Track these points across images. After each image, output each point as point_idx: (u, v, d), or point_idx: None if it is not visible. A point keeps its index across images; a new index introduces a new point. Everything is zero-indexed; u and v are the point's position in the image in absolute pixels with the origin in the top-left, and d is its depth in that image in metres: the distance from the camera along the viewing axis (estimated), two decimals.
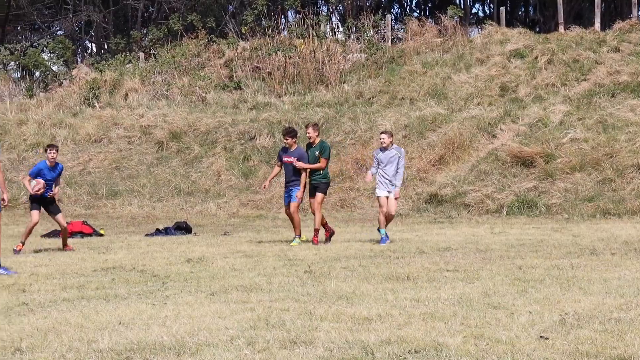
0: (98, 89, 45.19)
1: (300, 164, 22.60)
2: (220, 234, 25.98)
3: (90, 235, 26.43)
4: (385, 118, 37.26)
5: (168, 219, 30.95)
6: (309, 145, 23.07)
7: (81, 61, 59.52)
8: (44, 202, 22.08)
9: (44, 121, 41.74)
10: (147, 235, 26.79)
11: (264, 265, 18.55)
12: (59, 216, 22.42)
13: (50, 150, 22.30)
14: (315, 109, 39.78)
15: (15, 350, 10.80)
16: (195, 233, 26.77)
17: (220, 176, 35.82)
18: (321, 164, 22.78)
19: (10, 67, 54.23)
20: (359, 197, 33.07)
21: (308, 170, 22.71)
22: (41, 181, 21.42)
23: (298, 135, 24.27)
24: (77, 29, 78.58)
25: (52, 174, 22.12)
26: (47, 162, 22.03)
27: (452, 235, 24.38)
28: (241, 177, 35.65)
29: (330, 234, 23.15)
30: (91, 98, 44.29)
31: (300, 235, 23.01)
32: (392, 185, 22.07)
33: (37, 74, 51.53)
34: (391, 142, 22.27)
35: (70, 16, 76.79)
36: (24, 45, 58.30)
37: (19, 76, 52.39)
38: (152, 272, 17.77)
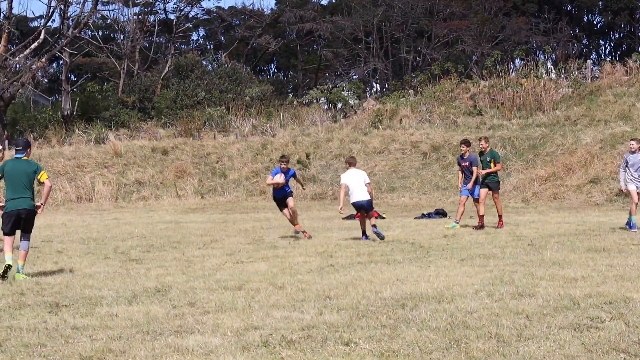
0: (381, 115, 45.46)
1: (480, 171, 22.32)
2: (467, 217, 25.82)
3: (376, 218, 26.63)
4: (587, 135, 36.23)
5: (430, 206, 30.89)
6: (481, 153, 22.55)
7: (369, 96, 59.97)
8: (284, 199, 20.77)
9: (344, 138, 42.27)
10: (415, 218, 26.85)
11: (498, 239, 18.36)
12: (290, 199, 20.68)
13: (281, 160, 21.03)
14: (535, 128, 39.01)
15: (326, 297, 11.05)
16: (449, 217, 26.67)
17: None
18: (497, 167, 22.29)
19: (321, 101, 55.18)
20: (567, 192, 32.23)
21: (478, 171, 22.28)
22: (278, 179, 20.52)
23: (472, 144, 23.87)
24: (366, 74, 79.37)
25: (284, 177, 20.57)
26: (280, 168, 20.73)
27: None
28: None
29: (481, 226, 22.01)
30: (376, 122, 44.58)
31: (458, 221, 22.59)
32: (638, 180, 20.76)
33: (339, 105, 52.18)
34: (639, 147, 20.94)
35: (362, 65, 77.65)
36: (330, 86, 59.26)
37: (327, 107, 53.18)
38: (419, 244, 17.83)
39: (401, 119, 44.62)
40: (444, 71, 51.18)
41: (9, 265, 13.60)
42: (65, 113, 58.78)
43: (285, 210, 20.90)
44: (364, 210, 19.64)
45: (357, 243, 18.34)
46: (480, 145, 22.77)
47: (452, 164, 36.83)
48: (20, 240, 14.07)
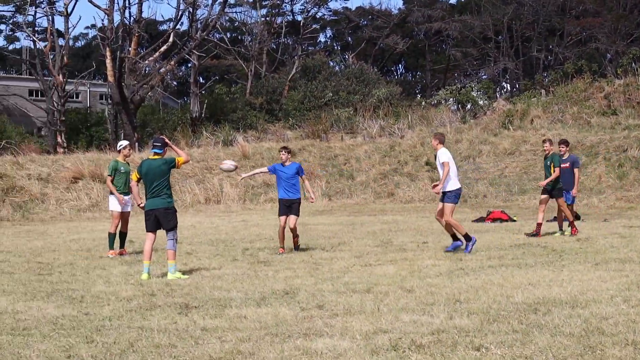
0: (511, 116, 44.99)
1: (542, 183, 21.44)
2: (601, 221, 25.26)
3: (506, 221, 26.32)
4: None
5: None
6: (545, 156, 21.59)
7: (499, 97, 59.36)
8: (290, 207, 18.39)
9: (473, 140, 41.95)
10: (547, 221, 26.39)
11: (635, 243, 17.92)
12: (292, 218, 18.25)
13: (282, 151, 18.73)
14: None
15: (456, 301, 10.99)
16: (583, 220, 26.15)
17: (601, 178, 34.79)
18: (555, 174, 20.94)
19: (450, 102, 54.89)
20: None
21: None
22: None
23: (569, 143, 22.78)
24: (496, 74, 78.65)
25: (286, 171, 18.51)
26: (282, 163, 18.49)
27: None
28: (617, 179, 34.47)
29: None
30: (507, 123, 44.13)
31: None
32: None
33: (468, 106, 51.83)
34: None
35: (492, 65, 76.97)
36: (459, 87, 58.90)
37: (456, 108, 52.89)
38: (552, 248, 17.55)
39: (532, 120, 44.05)
40: (577, 70, 50.34)
41: (147, 277, 14.25)
42: (194, 115, 59.94)
43: (283, 219, 18.34)
44: None
45: (487, 246, 18.15)
46: (544, 148, 21.58)
47: (586, 165, 36.13)
48: (167, 239, 14.64)
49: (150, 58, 57.28)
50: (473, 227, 23.91)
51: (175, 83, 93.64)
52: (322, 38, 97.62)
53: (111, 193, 18.73)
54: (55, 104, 60.31)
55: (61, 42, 63.05)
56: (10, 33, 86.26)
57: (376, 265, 15.39)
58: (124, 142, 19.30)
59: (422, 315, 10.11)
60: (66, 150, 52.72)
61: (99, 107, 75.50)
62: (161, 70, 59.55)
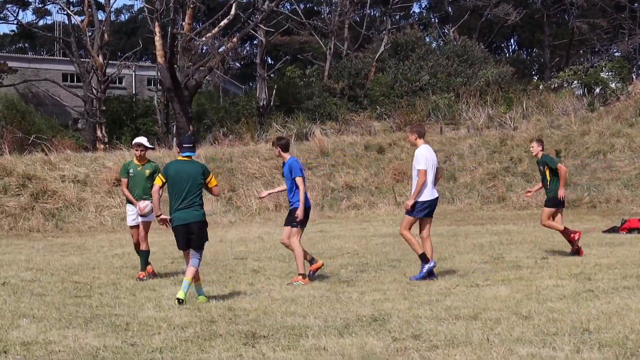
0: None
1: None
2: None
3: None
4: None
5: None
6: (537, 160, 20.77)
7: (636, 78, 58.64)
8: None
9: (604, 131, 41.50)
10: None
11: None
12: (286, 229, 16.83)
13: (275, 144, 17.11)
14: None
15: (584, 330, 10.89)
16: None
17: None
18: (561, 176, 20.02)
19: (574, 85, 54.41)
20: None
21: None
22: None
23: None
24: (632, 50, 77.68)
25: (284, 171, 16.90)
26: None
27: None
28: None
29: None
30: None
31: None
32: None
33: (597, 90, 51.33)
34: None
35: (626, 40, 76.06)
36: (585, 67, 58.39)
37: (581, 93, 52.40)
38: None
39: None
40: None
41: (204, 299, 14.32)
42: (261, 103, 60.30)
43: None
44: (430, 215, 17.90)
45: (623, 262, 17.93)
46: (531, 149, 20.85)
47: None
48: (190, 255, 14.51)
49: (208, 35, 57.59)
50: (604, 239, 23.64)
51: (238, 65, 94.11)
52: (415, 8, 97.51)
53: (127, 201, 18.49)
54: (94, 91, 61.17)
55: (101, 16, 63.93)
56: (41, 5, 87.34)
57: (484, 286, 15.33)
58: (136, 140, 18.58)
59: (542, 347, 10.04)
60: (107, 146, 53.39)
61: (146, 95, 76.33)
62: (221, 50, 59.87)
